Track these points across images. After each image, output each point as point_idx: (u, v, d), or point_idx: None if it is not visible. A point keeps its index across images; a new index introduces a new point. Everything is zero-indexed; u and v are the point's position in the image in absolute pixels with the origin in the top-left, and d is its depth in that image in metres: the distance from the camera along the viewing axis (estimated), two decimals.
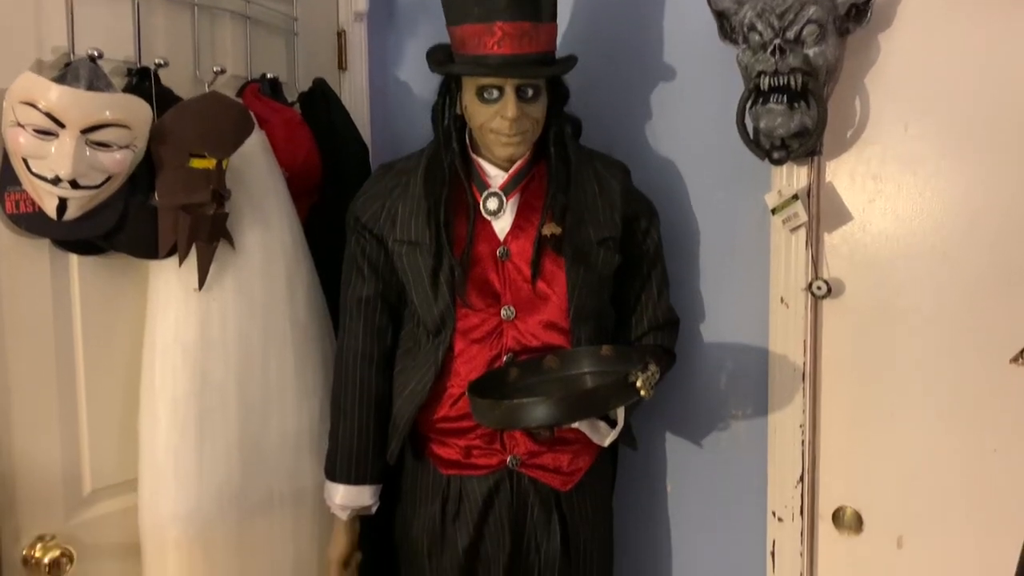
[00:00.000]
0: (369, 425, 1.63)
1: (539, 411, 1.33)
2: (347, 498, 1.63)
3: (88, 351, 1.51)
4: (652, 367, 1.37)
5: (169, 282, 1.53)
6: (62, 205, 1.37)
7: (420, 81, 2.07)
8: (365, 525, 1.71)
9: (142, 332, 1.55)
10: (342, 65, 2.01)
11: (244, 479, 1.59)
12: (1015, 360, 1.50)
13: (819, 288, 1.62)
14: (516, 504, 1.60)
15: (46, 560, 1.43)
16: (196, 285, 1.53)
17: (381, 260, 1.62)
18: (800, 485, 1.68)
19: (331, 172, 1.82)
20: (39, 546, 1.44)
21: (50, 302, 1.47)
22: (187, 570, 1.54)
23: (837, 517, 1.68)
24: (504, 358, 1.57)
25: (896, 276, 1.59)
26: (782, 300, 1.67)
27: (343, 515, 1.65)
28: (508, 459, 1.59)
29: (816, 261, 1.63)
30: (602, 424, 1.55)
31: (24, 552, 1.43)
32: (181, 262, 1.51)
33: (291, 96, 1.84)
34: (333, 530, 1.68)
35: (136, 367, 1.55)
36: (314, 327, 1.71)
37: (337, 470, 1.63)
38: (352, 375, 1.63)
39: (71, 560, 1.45)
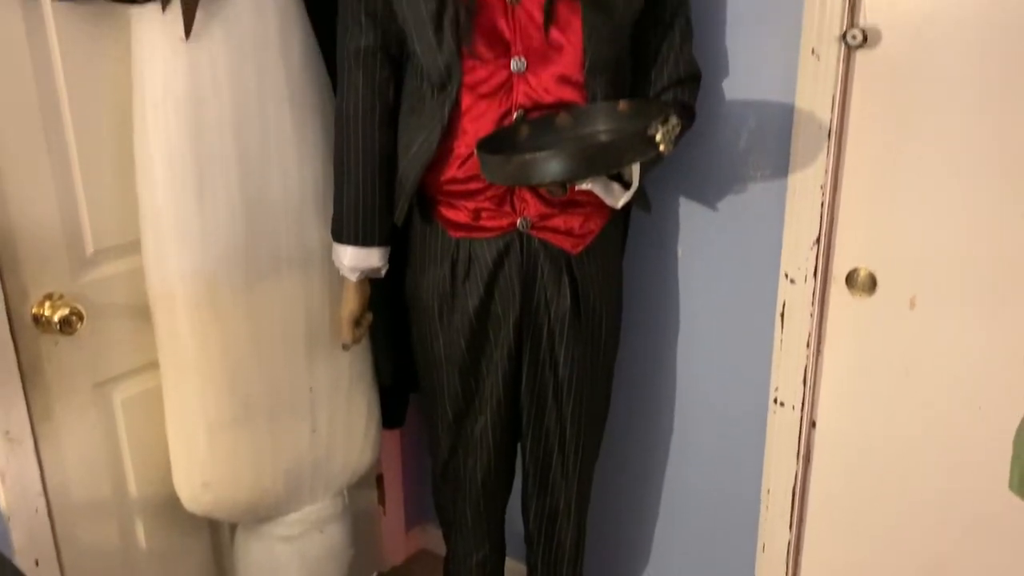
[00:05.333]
0: (375, 184, 1.57)
1: (552, 165, 1.26)
2: (356, 260, 1.61)
3: (74, 106, 1.44)
4: (672, 119, 1.29)
5: (153, 31, 1.43)
6: None
7: None
8: (375, 286, 1.71)
9: (129, 86, 1.47)
10: None
11: (249, 238, 1.57)
12: None
13: (854, 37, 1.50)
14: (526, 265, 1.58)
15: (56, 318, 1.43)
16: (182, 34, 1.42)
17: (379, 5, 1.49)
18: (816, 247, 1.64)
19: None
20: (48, 304, 1.44)
21: (27, 54, 1.38)
22: (198, 329, 1.55)
23: (851, 279, 1.66)
24: (514, 115, 1.48)
25: (939, 25, 1.46)
26: (813, 51, 1.55)
27: (352, 277, 1.64)
28: (518, 221, 1.55)
29: (853, 6, 1.50)
30: (616, 185, 1.49)
31: (33, 310, 1.44)
32: (164, 7, 1.39)
33: None
34: (343, 290, 1.67)
35: (127, 123, 1.49)
36: (310, 79, 1.61)
37: (344, 231, 1.60)
38: (354, 132, 1.55)
39: (81, 318, 1.46)
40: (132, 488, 1.66)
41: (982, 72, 1.45)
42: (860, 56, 1.54)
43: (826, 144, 1.58)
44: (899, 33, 1.50)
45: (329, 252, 1.66)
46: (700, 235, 1.80)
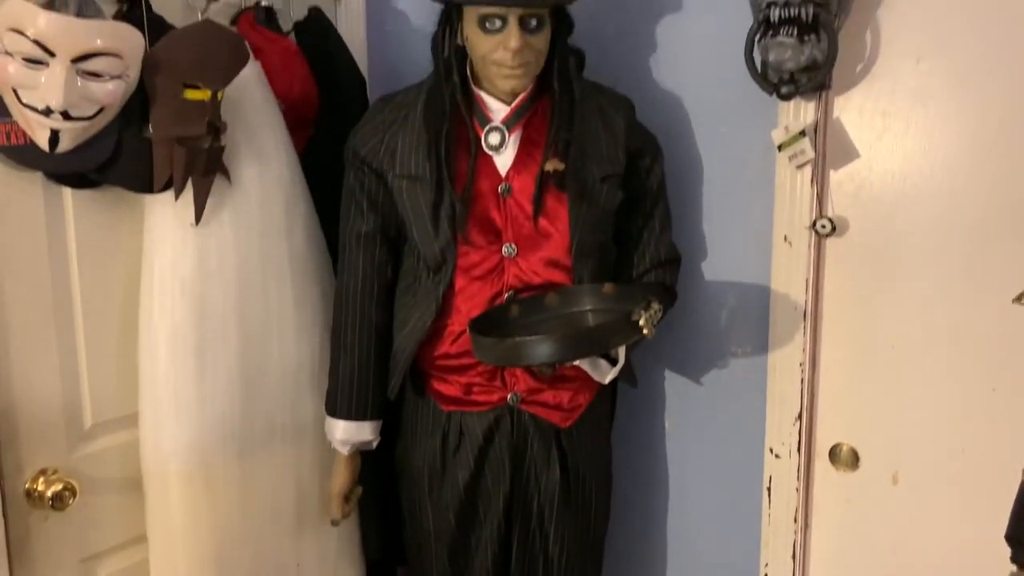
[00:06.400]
0: (370, 360, 1.63)
1: (541, 348, 1.32)
2: (348, 433, 1.64)
3: (84, 285, 1.50)
4: (655, 305, 1.37)
5: (165, 216, 1.51)
6: (54, 137, 1.34)
7: (418, 10, 2.01)
8: (366, 458, 1.72)
9: (139, 266, 1.54)
10: None
11: (245, 411, 1.60)
12: (1018, 300, 1.49)
13: (823, 227, 1.60)
14: (516, 439, 1.61)
15: (49, 493, 1.44)
16: (193, 220, 1.51)
17: (380, 195, 1.60)
18: (798, 423, 1.69)
19: (327, 104, 1.78)
20: (41, 479, 1.45)
21: (44, 236, 1.45)
22: (190, 502, 1.55)
23: (834, 454, 1.69)
24: (505, 295, 1.56)
25: (901, 215, 1.58)
26: (785, 238, 1.65)
27: (344, 450, 1.66)
28: (509, 396, 1.59)
29: (821, 199, 1.62)
30: (603, 361, 1.55)
31: (27, 485, 1.44)
32: (177, 196, 1.49)
33: (286, 25, 1.79)
34: (334, 464, 1.69)
35: (134, 301, 1.54)
36: (312, 260, 1.69)
37: (338, 406, 1.63)
38: (352, 310, 1.62)
39: (74, 494, 1.46)
40: None
41: (945, 256, 1.55)
42: (830, 243, 1.64)
43: (802, 324, 1.65)
44: (865, 222, 1.61)
45: (322, 425, 1.69)
46: (687, 409, 1.84)
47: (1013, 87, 1.46)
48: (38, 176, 1.42)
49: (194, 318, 1.52)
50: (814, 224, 1.61)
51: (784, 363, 1.69)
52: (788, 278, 1.66)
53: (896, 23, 1.53)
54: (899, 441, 1.63)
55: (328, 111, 1.78)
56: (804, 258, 1.64)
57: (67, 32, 1.29)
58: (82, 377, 1.52)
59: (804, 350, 1.67)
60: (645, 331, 1.34)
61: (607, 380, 1.56)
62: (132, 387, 1.56)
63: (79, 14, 1.33)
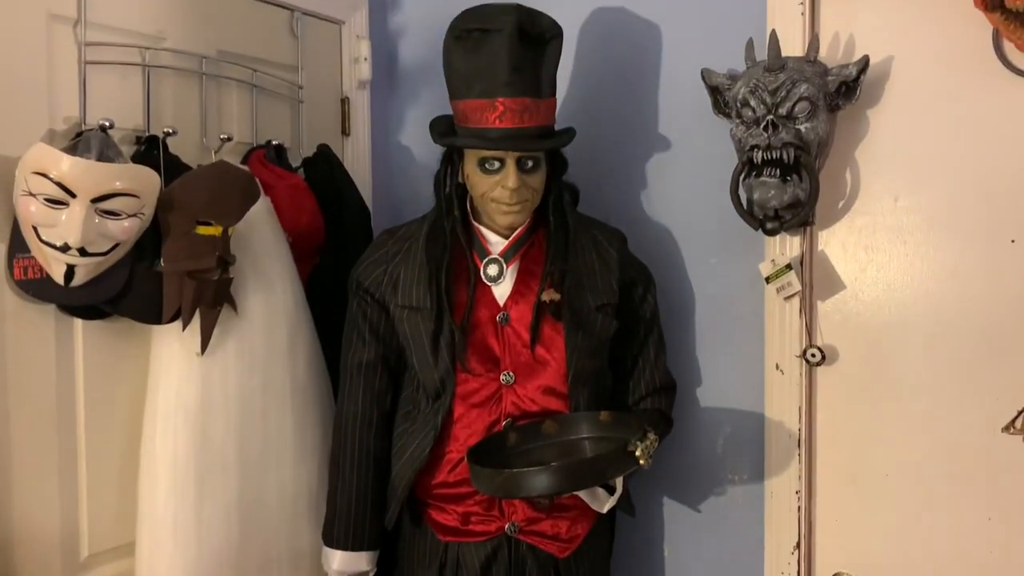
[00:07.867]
0: (367, 489, 1.63)
1: (539, 480, 1.34)
2: (344, 564, 1.63)
3: (90, 415, 1.53)
4: (651, 436, 1.39)
5: (172, 346, 1.55)
6: (70, 272, 1.39)
7: (420, 147, 2.11)
8: None
9: (143, 395, 1.57)
10: (345, 131, 2.06)
11: (243, 540, 1.59)
12: (1007, 429, 1.52)
13: (813, 355, 1.64)
14: (514, 571, 1.60)
15: None
16: (199, 349, 1.54)
17: (382, 324, 1.64)
18: (797, 551, 1.68)
19: (333, 235, 1.85)
20: None
21: (54, 366, 1.49)
22: None
23: None
24: (503, 423, 1.58)
25: (888, 344, 1.62)
26: (777, 367, 1.69)
27: None
28: (507, 526, 1.59)
29: (810, 329, 1.66)
30: (601, 491, 1.56)
31: None
32: (185, 327, 1.53)
33: (295, 161, 1.88)
34: None
35: (136, 430, 1.56)
36: (313, 388, 1.73)
37: (335, 535, 1.63)
38: (351, 438, 1.64)
39: None
40: None
41: (933, 384, 1.58)
42: (821, 371, 1.68)
43: (797, 452, 1.67)
44: (854, 351, 1.65)
45: (319, 554, 1.68)
46: (685, 536, 1.84)
47: (985, 223, 1.53)
48: (51, 308, 1.47)
49: (195, 446, 1.54)
50: (804, 353, 1.65)
51: (780, 491, 1.70)
52: (781, 406, 1.69)
53: (874, 164, 1.61)
54: (899, 570, 1.62)
55: (334, 241, 1.85)
56: (796, 386, 1.67)
57: (88, 175, 1.36)
58: (81, 507, 1.53)
59: (800, 477, 1.68)
60: (642, 462, 1.36)
61: (605, 509, 1.56)
62: (130, 517, 1.56)
63: (100, 157, 1.40)
